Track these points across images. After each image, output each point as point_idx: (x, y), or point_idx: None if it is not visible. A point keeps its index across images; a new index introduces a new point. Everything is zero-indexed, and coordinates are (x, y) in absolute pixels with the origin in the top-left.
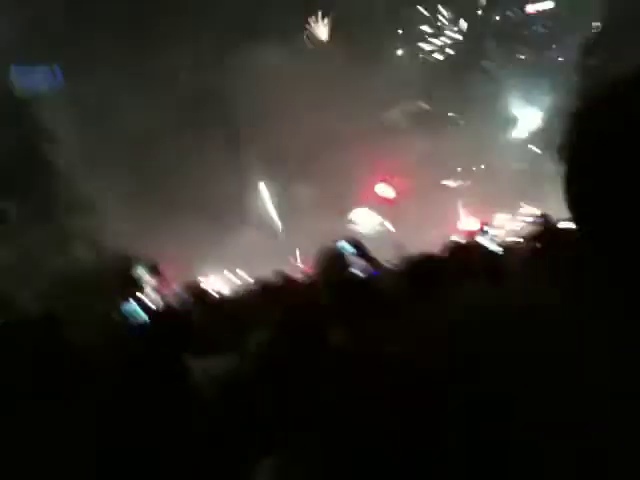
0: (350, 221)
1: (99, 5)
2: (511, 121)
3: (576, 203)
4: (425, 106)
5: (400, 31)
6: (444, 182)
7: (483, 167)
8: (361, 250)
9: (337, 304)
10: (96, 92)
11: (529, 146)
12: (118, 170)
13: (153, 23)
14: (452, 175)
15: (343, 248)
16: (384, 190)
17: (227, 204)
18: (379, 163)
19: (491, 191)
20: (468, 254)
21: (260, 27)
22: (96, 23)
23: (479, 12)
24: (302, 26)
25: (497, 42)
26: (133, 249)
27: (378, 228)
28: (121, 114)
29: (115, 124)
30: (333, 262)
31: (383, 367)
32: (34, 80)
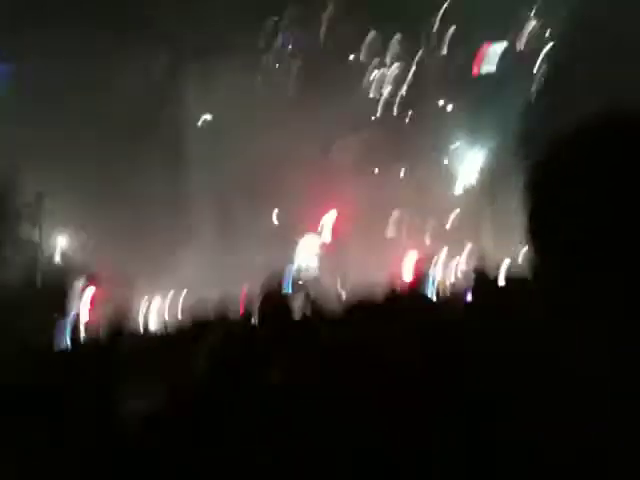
0: (293, 252)
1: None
2: (453, 166)
3: (535, 235)
4: (372, 143)
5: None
6: (387, 220)
7: (424, 209)
8: (300, 282)
9: (274, 337)
10: (43, 101)
11: (470, 190)
12: (59, 181)
13: (104, 38)
14: (398, 210)
15: (284, 280)
16: (327, 223)
17: (169, 227)
18: (323, 196)
19: (432, 233)
20: (406, 300)
21: (213, 49)
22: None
23: (425, 57)
24: (254, 55)
25: (444, 86)
26: (71, 265)
27: (317, 260)
28: (67, 126)
29: (60, 134)
30: (272, 294)
31: (316, 401)
32: None
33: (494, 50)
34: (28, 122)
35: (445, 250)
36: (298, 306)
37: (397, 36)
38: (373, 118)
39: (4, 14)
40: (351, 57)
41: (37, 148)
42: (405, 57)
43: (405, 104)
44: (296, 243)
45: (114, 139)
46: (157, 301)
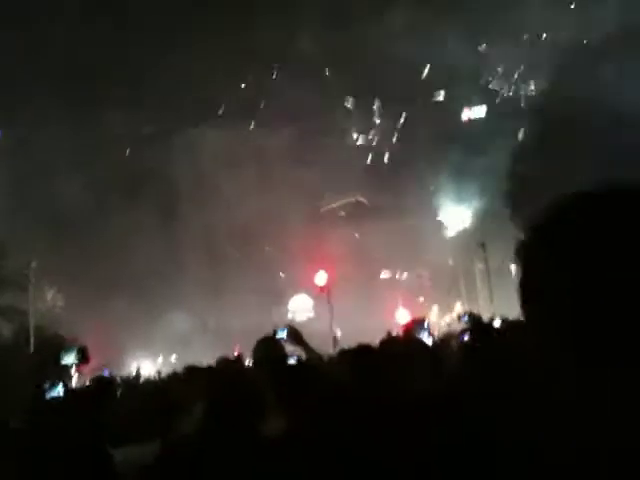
0: (287, 308)
1: (41, 72)
2: (443, 219)
3: (528, 299)
4: (363, 200)
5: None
6: (380, 273)
7: (417, 262)
8: (296, 337)
9: (271, 389)
10: (31, 162)
11: (460, 244)
12: (50, 247)
13: (94, 92)
14: (388, 267)
15: (279, 335)
16: (321, 278)
17: (161, 288)
18: (317, 252)
19: (425, 285)
20: (403, 347)
21: (205, 108)
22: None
23: (413, 114)
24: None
25: (432, 144)
26: (62, 329)
27: (312, 315)
28: (56, 188)
29: (50, 199)
30: (269, 348)
31: (315, 453)
32: None
33: (479, 110)
34: (17, 188)
35: (436, 305)
36: (292, 350)
37: (377, 101)
38: (361, 176)
39: None
40: (338, 118)
41: (26, 214)
42: (393, 115)
43: (393, 161)
44: (289, 298)
45: (104, 202)
46: (146, 364)
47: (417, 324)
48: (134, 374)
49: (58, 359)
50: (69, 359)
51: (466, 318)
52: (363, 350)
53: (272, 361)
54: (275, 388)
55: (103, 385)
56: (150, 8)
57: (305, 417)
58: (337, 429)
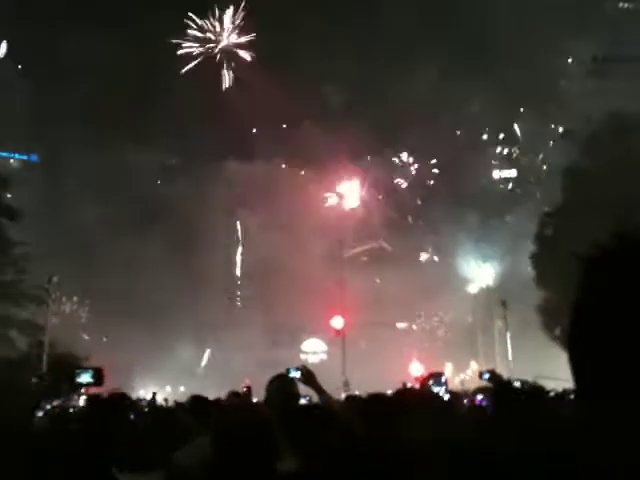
0: (301, 350)
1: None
2: (465, 276)
3: (577, 361)
4: (386, 246)
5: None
6: (397, 322)
7: (434, 315)
8: (309, 378)
9: (283, 428)
10: (59, 188)
11: (480, 301)
12: (70, 267)
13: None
14: (405, 317)
15: (292, 374)
16: (338, 322)
17: (173, 320)
18: (335, 296)
19: (442, 339)
20: (418, 399)
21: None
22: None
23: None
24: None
25: (461, 200)
26: (76, 348)
27: (325, 358)
28: (77, 212)
29: (72, 220)
30: (282, 387)
31: None
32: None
33: (509, 172)
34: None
35: (451, 362)
36: (305, 390)
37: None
38: (387, 225)
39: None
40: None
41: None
42: (423, 170)
43: (421, 212)
44: (303, 339)
45: (122, 233)
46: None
47: (434, 377)
48: (149, 399)
49: (73, 377)
50: (84, 378)
51: (487, 376)
52: (376, 399)
53: (284, 400)
54: (286, 427)
55: (118, 398)
56: None
57: (315, 459)
58: (346, 473)
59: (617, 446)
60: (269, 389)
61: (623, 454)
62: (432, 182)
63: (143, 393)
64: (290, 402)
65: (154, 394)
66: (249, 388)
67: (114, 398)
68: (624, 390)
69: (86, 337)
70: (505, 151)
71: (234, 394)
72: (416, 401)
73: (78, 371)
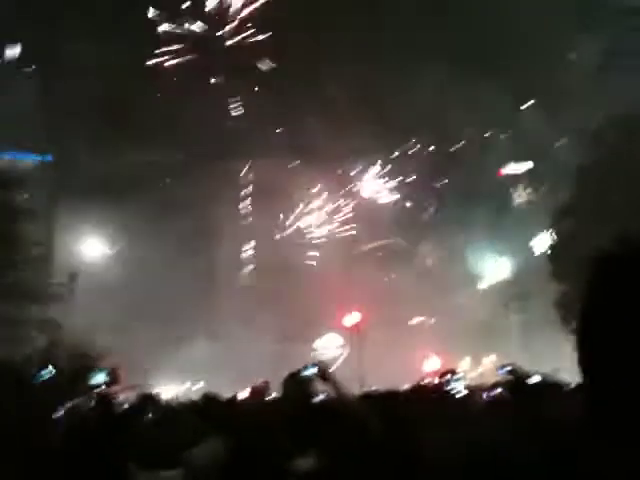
0: (316, 346)
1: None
2: (480, 270)
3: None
4: (401, 242)
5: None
6: (412, 318)
7: (449, 310)
8: (326, 375)
9: (300, 426)
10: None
11: (496, 295)
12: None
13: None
14: (420, 312)
15: (308, 371)
16: (352, 319)
17: (189, 315)
18: (350, 292)
19: (457, 334)
20: (435, 398)
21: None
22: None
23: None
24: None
25: (475, 194)
26: (92, 349)
27: (341, 352)
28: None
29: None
30: (298, 385)
31: None
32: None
33: (524, 165)
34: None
35: (468, 356)
36: (320, 388)
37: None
38: (401, 220)
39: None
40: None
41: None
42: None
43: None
44: (319, 335)
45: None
46: (171, 391)
47: (451, 375)
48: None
49: (89, 377)
50: (98, 379)
51: (504, 370)
52: (391, 397)
53: (301, 399)
54: (303, 426)
55: (146, 400)
56: None
57: (332, 458)
58: (362, 473)
59: (619, 448)
60: (285, 387)
61: (625, 457)
62: (446, 179)
63: (157, 390)
64: (307, 401)
65: (158, 394)
66: (266, 385)
67: (138, 401)
68: (628, 389)
69: (103, 334)
70: (518, 145)
71: (252, 393)
72: (432, 400)
73: (93, 371)
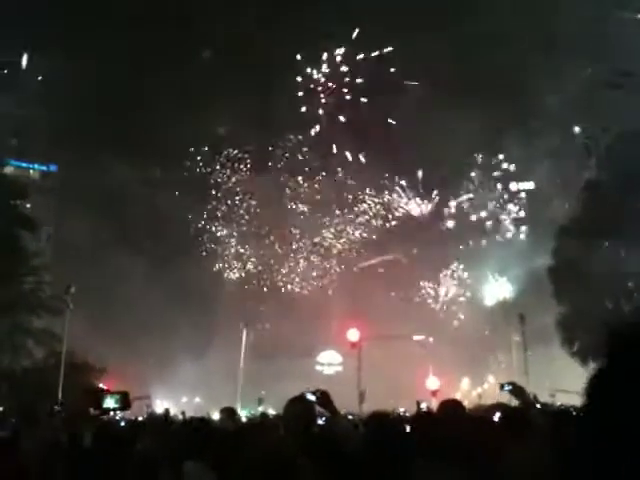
0: (316, 362)
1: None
2: (482, 289)
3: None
4: (402, 258)
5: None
6: (412, 335)
7: (451, 327)
8: (325, 401)
9: (300, 452)
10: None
11: (497, 315)
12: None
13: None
14: (421, 330)
15: (309, 397)
16: (354, 335)
17: (188, 332)
18: (350, 309)
19: (458, 352)
20: (440, 427)
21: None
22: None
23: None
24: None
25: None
26: (91, 357)
27: (341, 370)
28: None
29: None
30: (300, 410)
31: None
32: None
33: (527, 184)
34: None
35: (467, 376)
36: (321, 411)
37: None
38: (402, 237)
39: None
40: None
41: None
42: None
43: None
44: (319, 351)
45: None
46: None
47: (450, 398)
48: (163, 414)
49: (100, 402)
50: (110, 403)
51: (508, 388)
52: (391, 434)
53: (304, 425)
54: (307, 451)
55: (159, 421)
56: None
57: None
58: None
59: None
60: (288, 413)
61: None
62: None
63: (158, 403)
64: (309, 427)
65: (167, 411)
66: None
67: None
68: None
69: (101, 348)
70: (521, 164)
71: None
72: (438, 438)
73: (105, 396)
